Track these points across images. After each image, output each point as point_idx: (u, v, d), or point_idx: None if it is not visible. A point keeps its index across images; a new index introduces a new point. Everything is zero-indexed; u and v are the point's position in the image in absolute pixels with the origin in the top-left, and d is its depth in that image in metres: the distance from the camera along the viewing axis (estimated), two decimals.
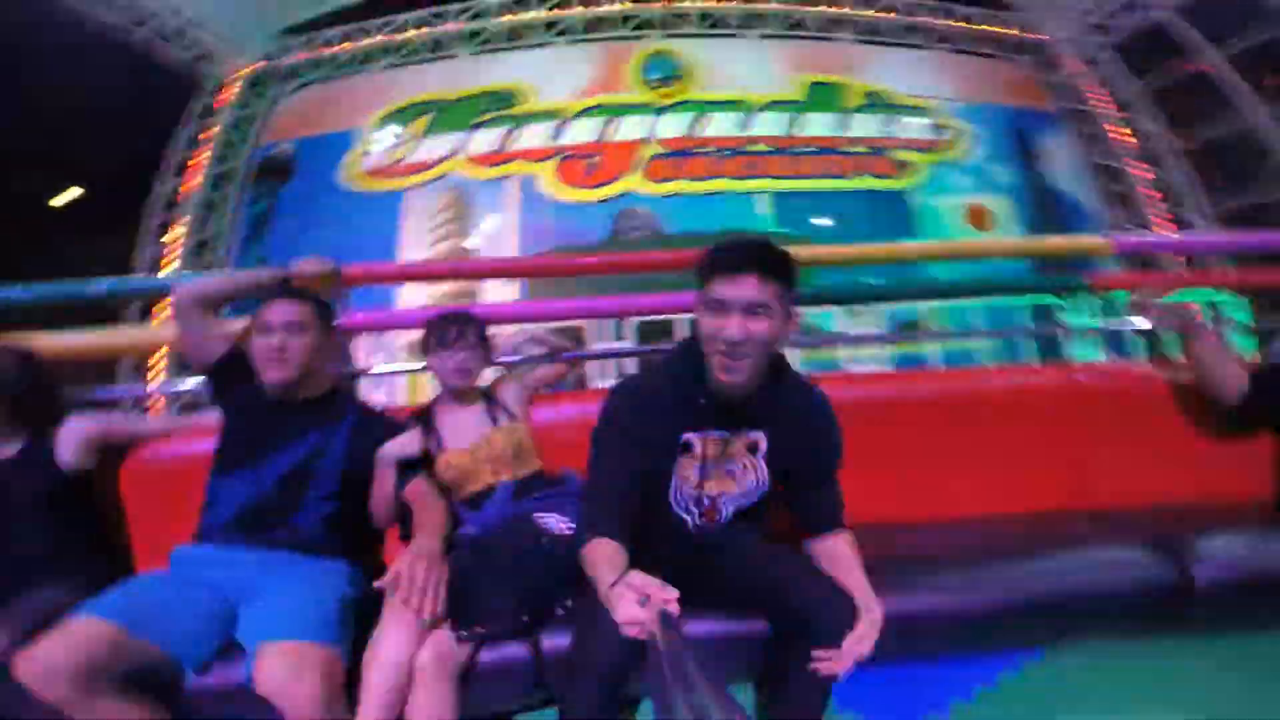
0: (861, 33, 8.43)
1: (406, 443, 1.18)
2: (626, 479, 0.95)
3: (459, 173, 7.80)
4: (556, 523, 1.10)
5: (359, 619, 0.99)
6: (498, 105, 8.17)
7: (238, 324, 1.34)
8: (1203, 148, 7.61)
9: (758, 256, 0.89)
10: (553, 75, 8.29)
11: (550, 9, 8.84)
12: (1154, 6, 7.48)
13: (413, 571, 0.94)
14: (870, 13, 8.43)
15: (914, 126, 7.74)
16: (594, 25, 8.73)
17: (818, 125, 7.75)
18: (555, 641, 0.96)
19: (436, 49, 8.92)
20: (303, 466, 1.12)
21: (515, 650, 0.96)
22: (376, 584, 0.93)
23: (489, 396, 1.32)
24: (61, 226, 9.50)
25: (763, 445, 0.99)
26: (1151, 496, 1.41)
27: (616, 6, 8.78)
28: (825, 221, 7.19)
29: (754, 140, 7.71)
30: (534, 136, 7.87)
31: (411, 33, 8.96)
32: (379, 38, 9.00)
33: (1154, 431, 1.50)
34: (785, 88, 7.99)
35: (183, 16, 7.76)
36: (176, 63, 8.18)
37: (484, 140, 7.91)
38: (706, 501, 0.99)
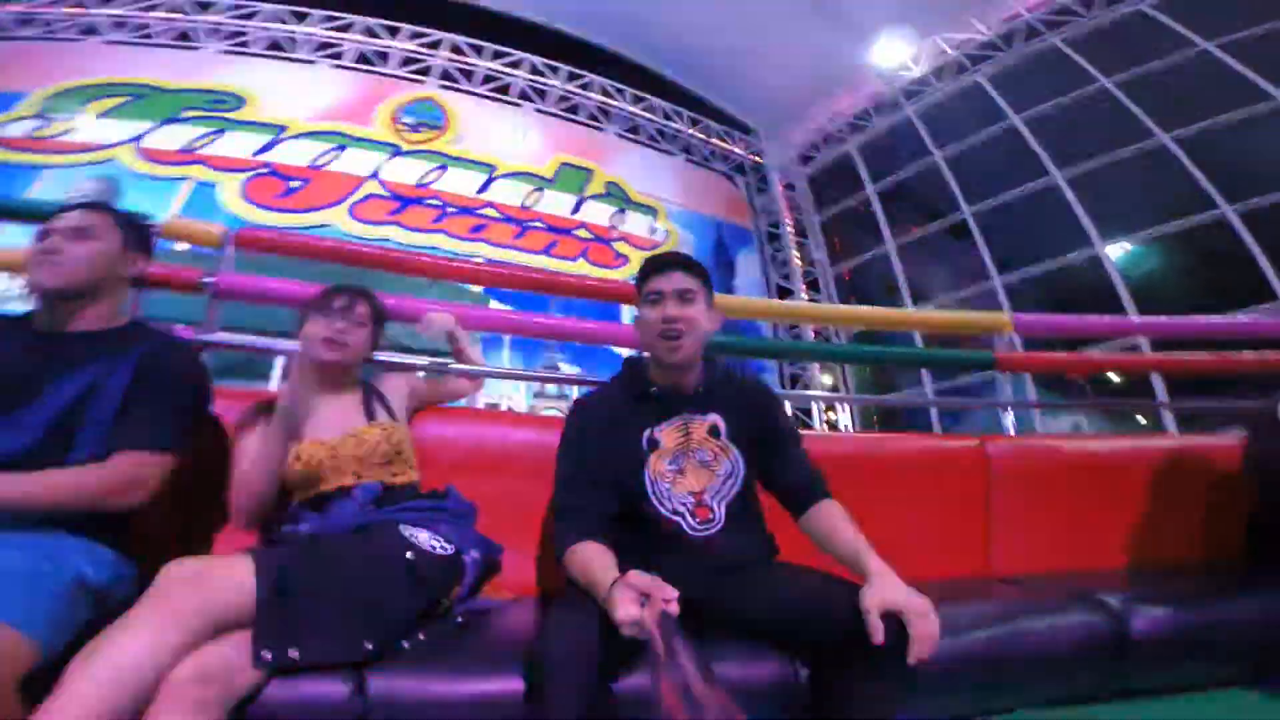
0: (623, 128, 8.90)
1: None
2: (596, 482, 0.96)
3: (121, 163, 6.65)
4: (428, 539, 0.90)
5: (101, 616, 0.71)
6: (216, 106, 7.31)
7: None
8: (850, 274, 8.88)
9: (681, 258, 1.06)
10: (291, 89, 7.64)
11: (332, 28, 8.40)
12: (845, 140, 8.80)
13: None
14: (635, 109, 8.99)
15: (637, 222, 8.08)
16: (370, 59, 8.37)
17: (554, 204, 7.79)
18: (389, 684, 0.72)
19: (178, 38, 7.99)
20: (70, 411, 0.85)
21: (331, 688, 0.69)
22: None
23: (369, 389, 1.13)
24: None
25: (722, 426, 1.03)
26: (1068, 563, 1.42)
27: (400, 44, 8.56)
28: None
29: (488, 204, 7.52)
30: (236, 145, 7.03)
31: (159, 12, 7.99)
32: (112, 9, 7.88)
33: (1066, 500, 1.52)
34: (536, 162, 8.03)
35: None
36: None
37: (170, 136, 6.90)
38: (692, 499, 0.97)
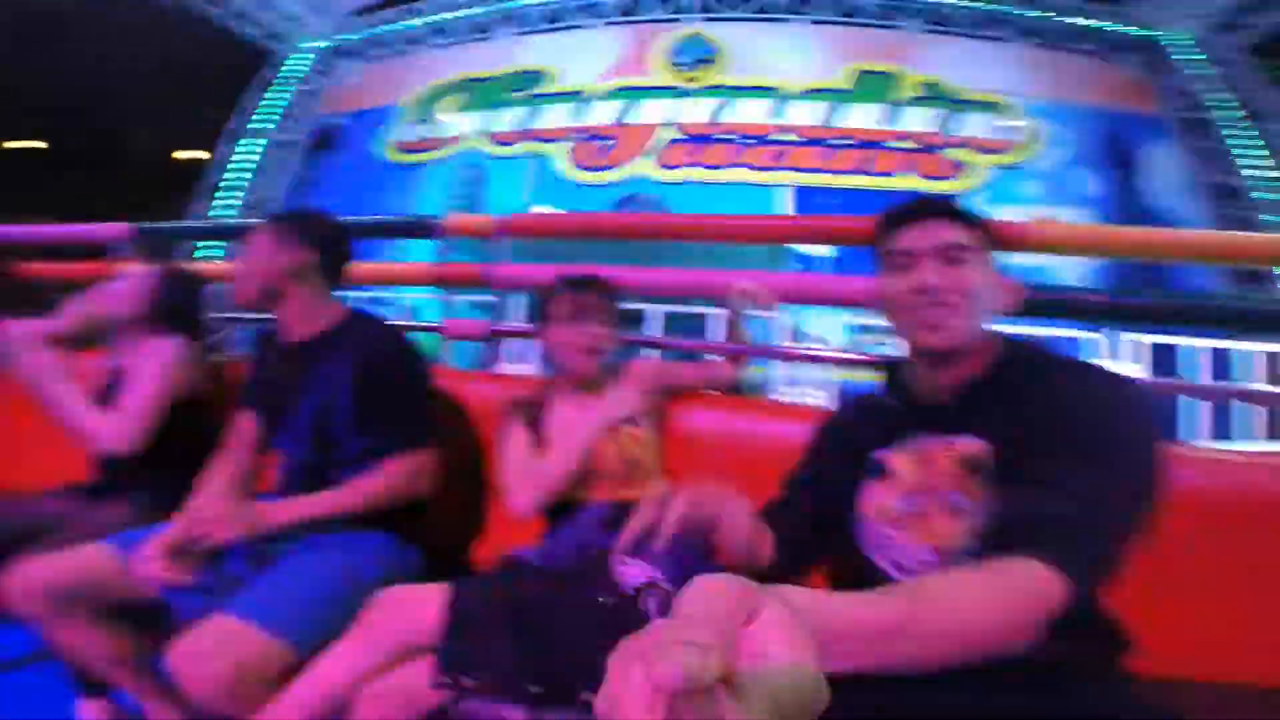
0: (927, 21, 7.45)
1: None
2: (800, 509, 0.72)
3: (478, 149, 7.65)
4: (639, 575, 0.81)
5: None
6: (525, 85, 8.03)
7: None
8: None
9: (943, 203, 0.67)
10: (580, 57, 8.03)
11: None
12: None
13: None
14: None
15: (977, 124, 6.61)
16: (630, 9, 8.41)
17: (862, 117, 6.83)
18: None
19: (478, 31, 9.06)
20: (319, 421, 0.96)
21: (511, 713, 0.72)
22: None
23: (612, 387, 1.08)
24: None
25: (986, 457, 0.60)
26: None
27: None
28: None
29: (784, 129, 6.92)
30: (554, 117, 7.58)
31: (459, 12, 9.21)
32: (428, 18, 9.30)
33: None
34: (829, 75, 7.16)
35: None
36: (250, 39, 8.97)
37: (506, 119, 7.73)
38: (932, 558, 0.62)
